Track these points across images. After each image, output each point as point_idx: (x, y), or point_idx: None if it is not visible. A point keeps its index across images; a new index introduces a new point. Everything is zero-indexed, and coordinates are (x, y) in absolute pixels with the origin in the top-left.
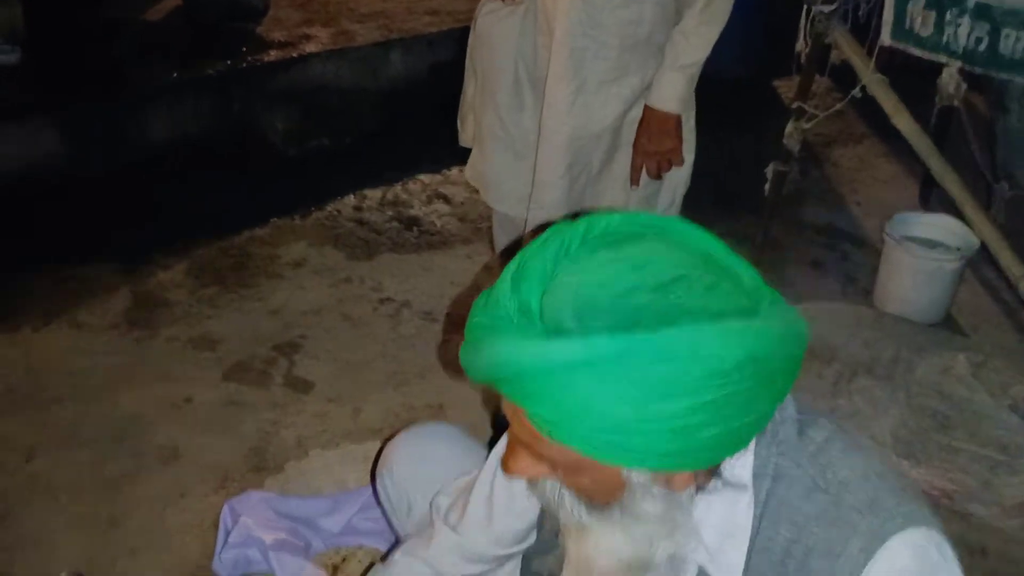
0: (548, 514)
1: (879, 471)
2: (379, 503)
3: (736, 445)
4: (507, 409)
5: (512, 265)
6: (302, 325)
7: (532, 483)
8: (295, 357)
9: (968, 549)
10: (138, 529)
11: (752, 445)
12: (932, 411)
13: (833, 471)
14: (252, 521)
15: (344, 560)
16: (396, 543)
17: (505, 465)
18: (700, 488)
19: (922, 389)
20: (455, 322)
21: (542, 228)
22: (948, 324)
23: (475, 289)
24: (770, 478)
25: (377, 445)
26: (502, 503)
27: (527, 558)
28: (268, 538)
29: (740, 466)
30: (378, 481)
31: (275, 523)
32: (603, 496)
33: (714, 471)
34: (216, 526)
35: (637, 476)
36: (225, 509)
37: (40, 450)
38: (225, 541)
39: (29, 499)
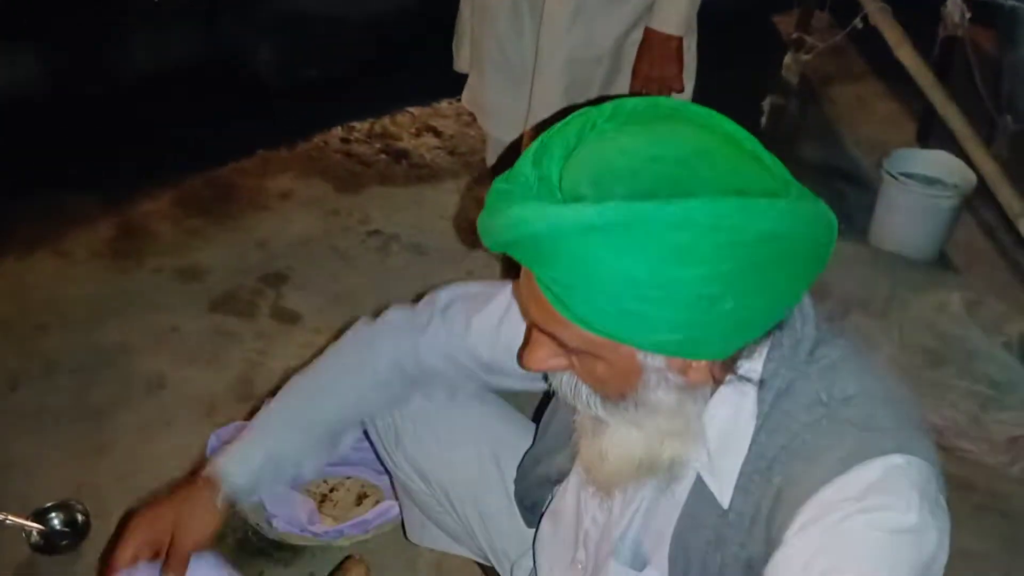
0: (562, 408)
1: (887, 395)
2: (366, 434)
3: (751, 330)
4: (523, 289)
5: (535, 143)
6: (289, 257)
7: (550, 376)
8: (282, 288)
9: (956, 484)
10: (125, 456)
11: (764, 351)
12: (924, 348)
13: (840, 387)
14: None
15: (332, 490)
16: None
17: (522, 358)
18: (716, 386)
19: (915, 326)
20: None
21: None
22: (943, 262)
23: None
24: (775, 391)
25: None
26: (505, 346)
27: (533, 461)
28: None
29: (751, 372)
30: None
31: None
32: (618, 385)
33: (729, 369)
34: (202, 454)
35: (652, 360)
36: (212, 438)
37: (24, 378)
38: None
39: (15, 425)
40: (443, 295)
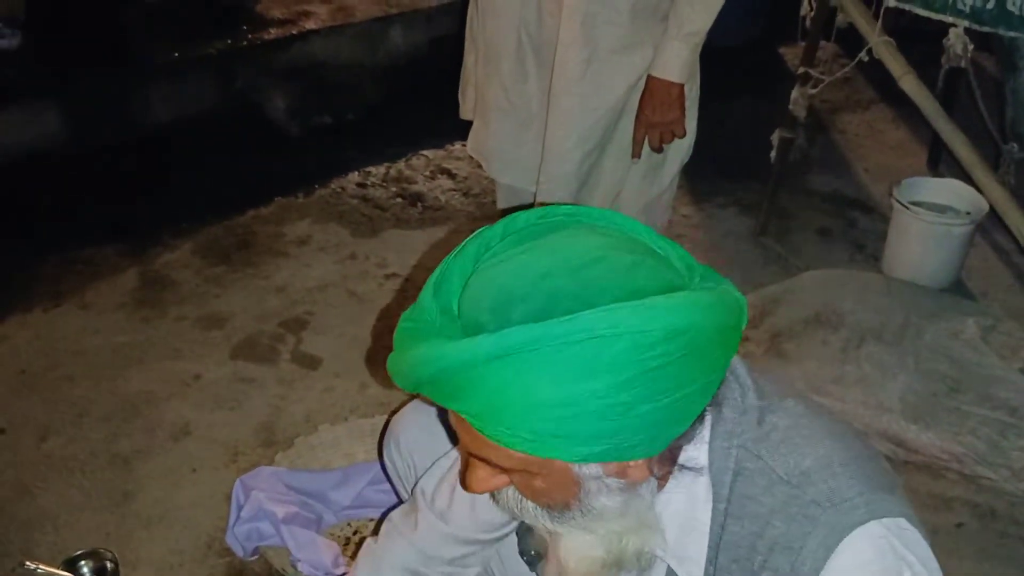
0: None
1: (843, 459)
2: (386, 474)
3: (675, 423)
4: (451, 417)
5: (435, 272)
6: (308, 302)
7: (495, 496)
8: (302, 333)
9: (977, 511)
10: (152, 503)
11: (706, 435)
12: (941, 375)
13: (795, 460)
14: (264, 495)
15: (356, 532)
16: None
17: (462, 481)
18: (660, 479)
19: (931, 354)
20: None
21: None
22: (958, 289)
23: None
24: (731, 472)
25: (384, 419)
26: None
27: (520, 535)
28: (280, 512)
29: (696, 458)
30: (384, 452)
31: (286, 497)
32: (560, 497)
33: (671, 460)
34: (228, 500)
35: (586, 469)
36: (237, 485)
37: (53, 428)
38: (238, 516)
39: (45, 475)
40: (427, 485)
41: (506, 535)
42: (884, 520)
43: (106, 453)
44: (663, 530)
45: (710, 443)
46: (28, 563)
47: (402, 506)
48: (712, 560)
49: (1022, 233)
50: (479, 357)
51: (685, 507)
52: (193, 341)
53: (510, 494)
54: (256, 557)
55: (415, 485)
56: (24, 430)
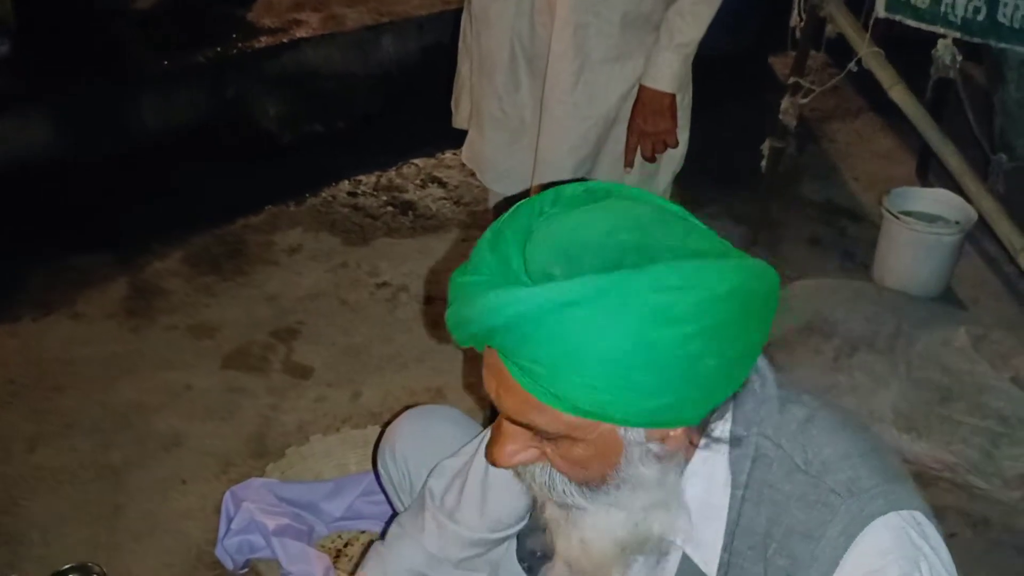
0: (538, 503)
1: (861, 451)
2: (380, 483)
3: (727, 384)
4: (493, 382)
5: (486, 234)
6: (299, 311)
7: (520, 472)
8: (293, 343)
9: (970, 520)
10: (142, 515)
11: (729, 414)
12: (933, 384)
13: (814, 450)
14: (254, 507)
15: (347, 544)
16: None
17: (491, 454)
18: (691, 452)
19: (923, 363)
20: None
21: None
22: (948, 297)
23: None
24: (751, 459)
25: (377, 429)
26: (499, 483)
27: (521, 536)
28: (271, 523)
29: (722, 434)
30: (379, 460)
31: (277, 508)
32: (599, 467)
33: (702, 433)
34: (218, 512)
35: (632, 434)
36: (227, 496)
37: (42, 439)
38: (228, 528)
39: (33, 488)
40: (436, 486)
41: (514, 535)
42: (902, 511)
43: (95, 464)
44: (688, 511)
45: (731, 429)
46: None
47: (410, 508)
48: (728, 546)
49: (1011, 242)
50: (555, 302)
51: (703, 491)
52: (184, 351)
53: (537, 470)
54: (246, 570)
55: (423, 486)
56: (12, 441)
